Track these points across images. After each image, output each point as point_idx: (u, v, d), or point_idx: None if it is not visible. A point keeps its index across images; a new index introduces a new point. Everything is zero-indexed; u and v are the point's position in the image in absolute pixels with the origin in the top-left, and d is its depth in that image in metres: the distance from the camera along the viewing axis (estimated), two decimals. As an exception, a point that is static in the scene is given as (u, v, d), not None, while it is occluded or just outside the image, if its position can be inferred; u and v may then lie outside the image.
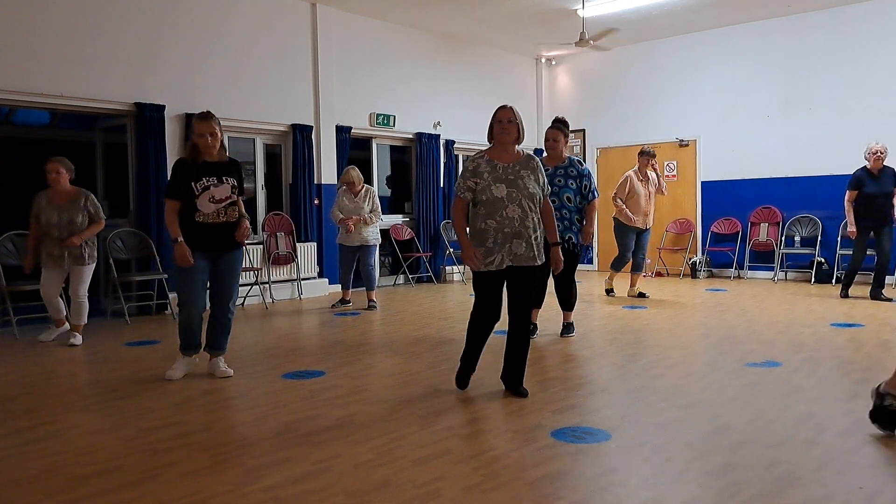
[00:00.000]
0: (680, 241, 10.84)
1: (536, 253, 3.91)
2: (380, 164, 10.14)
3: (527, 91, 12.19)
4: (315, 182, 8.97)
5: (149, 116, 7.30)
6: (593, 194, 5.55)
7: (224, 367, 4.63)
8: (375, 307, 7.60)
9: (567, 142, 5.63)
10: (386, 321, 6.75)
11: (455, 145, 10.79)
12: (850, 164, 9.25)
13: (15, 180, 9.23)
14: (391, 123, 9.82)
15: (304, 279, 8.71)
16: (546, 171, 5.31)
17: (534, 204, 3.91)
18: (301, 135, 8.72)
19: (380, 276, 8.95)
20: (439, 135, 10.47)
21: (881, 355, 4.92)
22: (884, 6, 8.96)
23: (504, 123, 4.02)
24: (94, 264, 5.92)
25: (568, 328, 5.86)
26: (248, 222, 4.56)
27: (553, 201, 5.20)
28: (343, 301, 7.73)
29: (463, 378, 4.14)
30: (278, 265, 8.55)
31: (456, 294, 8.98)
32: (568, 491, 2.68)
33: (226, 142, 8.17)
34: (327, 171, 9.06)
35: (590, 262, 12.01)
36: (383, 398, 4.02)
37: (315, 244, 8.95)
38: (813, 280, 9.30)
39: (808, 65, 9.55)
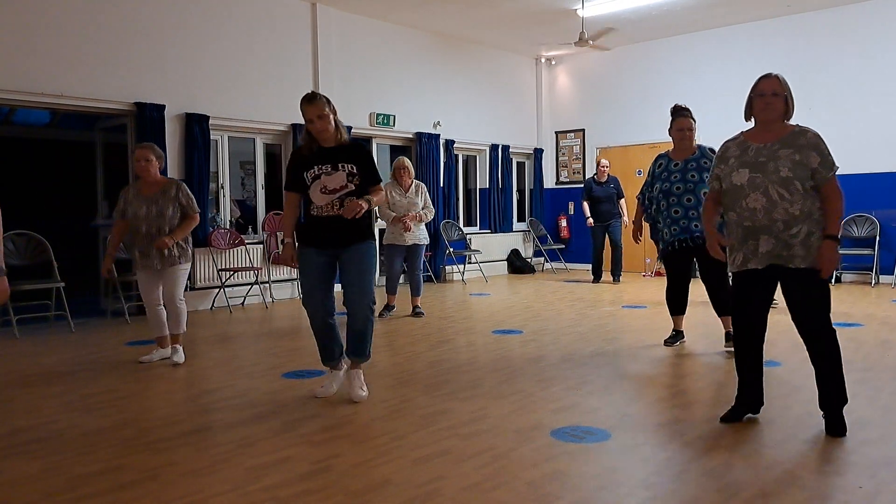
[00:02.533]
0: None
1: (796, 252, 3.15)
2: (380, 164, 10.13)
3: (527, 91, 12.20)
4: (315, 182, 8.96)
5: (149, 116, 7.30)
6: None
7: (359, 389, 3.96)
8: (423, 314, 7.03)
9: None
10: (386, 321, 6.75)
11: (455, 145, 10.79)
12: (849, 163, 9.27)
13: (15, 180, 9.23)
14: (391, 123, 9.82)
15: (304, 279, 8.69)
16: (676, 166, 5.08)
17: (788, 192, 3.14)
18: (301, 134, 8.71)
19: (378, 275, 8.88)
20: (439, 135, 10.47)
21: (881, 355, 4.92)
22: (884, 6, 8.97)
23: (767, 97, 3.28)
24: (189, 264, 5.13)
25: (727, 337, 5.11)
26: (364, 202, 3.80)
27: (688, 199, 4.97)
28: (388, 307, 7.00)
29: (737, 412, 3.44)
30: (278, 265, 8.55)
31: (456, 294, 8.98)
32: (568, 490, 2.68)
33: (225, 142, 8.27)
34: (327, 170, 9.05)
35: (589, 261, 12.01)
36: (383, 398, 4.02)
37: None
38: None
39: (808, 65, 9.55)
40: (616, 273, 9.79)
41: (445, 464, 2.96)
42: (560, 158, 12.44)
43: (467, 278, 10.44)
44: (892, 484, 2.70)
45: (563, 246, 12.08)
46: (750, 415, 3.47)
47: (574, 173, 12.22)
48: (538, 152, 12.32)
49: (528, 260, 11.88)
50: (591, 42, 9.32)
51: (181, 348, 5.09)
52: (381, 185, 3.97)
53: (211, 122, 7.84)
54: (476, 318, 6.92)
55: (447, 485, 2.74)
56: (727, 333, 5.08)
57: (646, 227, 5.67)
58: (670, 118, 5.20)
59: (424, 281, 10.17)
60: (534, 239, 11.93)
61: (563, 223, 12.18)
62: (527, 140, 12.19)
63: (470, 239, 10.77)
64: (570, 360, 4.94)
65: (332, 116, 3.88)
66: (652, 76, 11.06)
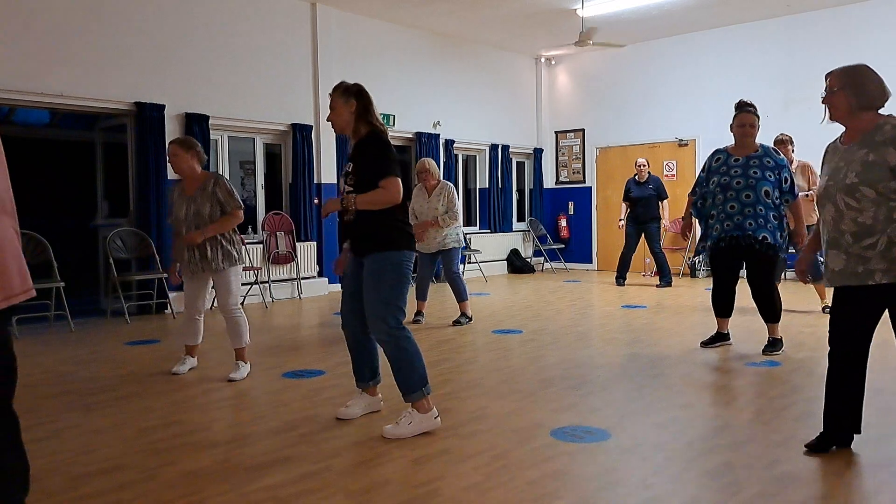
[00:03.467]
0: (680, 240, 10.82)
1: (871, 266, 2.78)
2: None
3: (526, 91, 12.20)
4: (315, 181, 8.98)
5: (149, 116, 7.31)
6: (796, 190, 4.91)
7: (392, 423, 3.36)
8: (471, 319, 6.57)
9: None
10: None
11: (455, 145, 10.79)
12: (849, 163, 9.27)
13: (15, 180, 9.25)
14: (391, 123, 9.81)
15: (303, 278, 8.71)
16: (737, 161, 4.91)
17: (854, 199, 2.80)
18: (301, 134, 8.73)
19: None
20: (439, 134, 10.47)
21: (880, 355, 4.92)
22: (883, 6, 8.97)
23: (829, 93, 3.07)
24: (239, 266, 4.62)
25: (773, 345, 5.04)
26: (353, 198, 3.33)
27: (747, 195, 4.79)
28: (418, 313, 6.65)
29: (822, 444, 3.03)
30: (278, 264, 8.56)
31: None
32: (567, 490, 2.68)
33: (225, 142, 8.27)
34: (327, 170, 9.07)
35: (589, 260, 12.03)
36: (383, 397, 4.02)
37: (315, 243, 8.95)
38: (812, 279, 9.28)
39: (807, 65, 9.54)
40: (663, 277, 9.33)
41: (445, 464, 2.96)
42: (560, 158, 12.44)
43: (467, 278, 10.42)
44: (892, 484, 2.70)
45: (563, 246, 12.08)
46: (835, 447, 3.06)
47: (574, 173, 12.22)
48: (538, 152, 12.32)
49: (528, 260, 11.88)
50: (592, 42, 9.31)
51: (243, 364, 4.60)
52: (389, 180, 3.31)
53: (211, 121, 7.84)
54: (476, 317, 6.91)
55: (447, 485, 2.74)
56: (772, 340, 5.02)
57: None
58: (733, 113, 5.00)
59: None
60: (533, 239, 11.93)
61: (563, 223, 12.18)
62: (526, 140, 12.19)
63: (470, 239, 10.77)
64: (570, 360, 4.93)
65: (343, 109, 3.52)
66: (652, 76, 11.06)
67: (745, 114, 4.90)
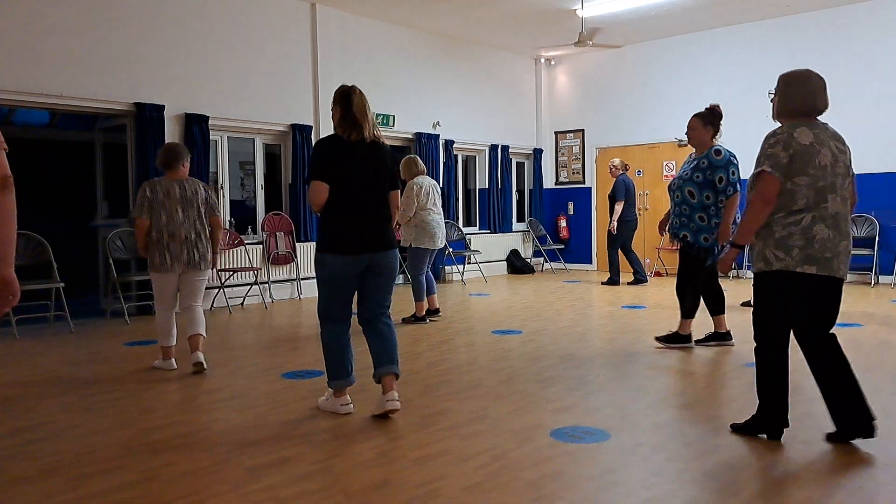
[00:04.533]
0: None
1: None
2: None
3: (526, 91, 12.20)
4: (315, 182, 8.96)
5: (148, 116, 7.30)
6: (731, 188, 4.96)
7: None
8: (419, 321, 6.62)
9: (713, 131, 5.11)
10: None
11: (454, 145, 10.79)
12: (849, 164, 9.27)
13: (14, 181, 9.25)
14: (391, 123, 9.82)
15: (303, 279, 8.71)
16: (686, 163, 5.26)
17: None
18: (301, 135, 8.72)
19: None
20: (439, 135, 10.47)
21: (880, 355, 4.92)
22: (883, 6, 8.97)
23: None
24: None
25: (672, 338, 5.33)
26: None
27: (677, 195, 5.11)
28: (434, 311, 6.72)
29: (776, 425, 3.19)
30: (278, 265, 8.56)
31: (455, 294, 8.98)
32: (567, 491, 2.68)
33: (224, 142, 8.27)
34: (327, 170, 9.05)
35: (589, 261, 12.03)
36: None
37: (314, 244, 8.94)
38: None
39: (807, 65, 9.48)
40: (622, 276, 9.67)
41: (445, 464, 2.96)
42: (559, 159, 12.44)
43: (467, 279, 10.44)
44: (891, 484, 2.71)
45: (563, 246, 12.08)
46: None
47: (574, 173, 12.22)
48: (537, 152, 12.32)
49: (528, 260, 11.88)
50: (591, 42, 9.31)
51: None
52: (309, 182, 3.54)
53: (210, 122, 7.84)
54: (476, 318, 6.92)
55: (447, 485, 2.74)
56: (673, 333, 5.36)
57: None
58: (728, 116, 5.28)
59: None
60: (533, 239, 11.93)
61: (563, 223, 12.18)
62: (526, 140, 12.19)
63: (469, 239, 10.77)
64: (570, 360, 4.94)
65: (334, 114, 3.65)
66: (651, 76, 11.06)
67: (691, 118, 5.18)
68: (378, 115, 9.64)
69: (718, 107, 5.20)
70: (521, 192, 12.47)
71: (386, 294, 3.73)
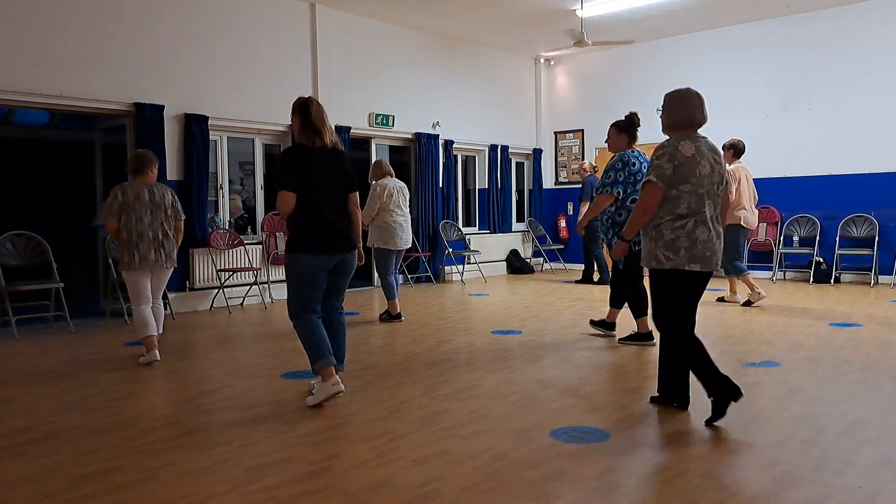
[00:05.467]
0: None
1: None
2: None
3: (525, 91, 12.20)
4: (314, 182, 8.96)
5: (148, 116, 7.30)
6: (604, 189, 5.20)
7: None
8: (393, 319, 6.77)
9: (628, 139, 5.39)
10: (385, 321, 6.75)
11: (454, 145, 10.79)
12: (848, 164, 9.28)
13: (14, 181, 9.23)
14: (390, 123, 9.82)
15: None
16: None
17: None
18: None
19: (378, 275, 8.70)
20: (438, 135, 10.47)
21: (880, 355, 4.92)
22: (884, 6, 8.97)
23: None
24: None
25: (600, 323, 5.95)
26: None
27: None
28: (397, 316, 6.80)
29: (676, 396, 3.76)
30: (277, 265, 8.55)
31: (455, 294, 8.98)
32: (567, 491, 2.68)
33: (224, 142, 8.27)
34: (326, 171, 9.05)
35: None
36: (383, 398, 4.02)
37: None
38: (811, 280, 9.30)
39: (807, 65, 9.56)
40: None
41: (445, 464, 2.96)
42: (559, 159, 12.44)
43: (466, 279, 10.44)
44: (891, 484, 2.71)
45: (563, 246, 12.08)
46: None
47: (573, 174, 12.21)
48: (537, 152, 12.32)
49: (528, 260, 11.88)
50: (591, 42, 9.31)
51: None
52: (281, 192, 3.82)
53: (210, 122, 7.84)
54: (475, 318, 6.92)
55: (447, 485, 2.74)
56: (602, 319, 5.90)
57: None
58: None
59: (423, 281, 10.22)
60: (533, 239, 11.93)
61: (563, 223, 12.18)
62: (526, 140, 12.19)
63: (469, 239, 10.77)
64: (570, 361, 4.94)
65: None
66: (651, 76, 11.06)
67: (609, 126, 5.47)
68: (378, 115, 9.64)
69: (636, 115, 5.44)
70: (520, 192, 12.47)
71: (343, 291, 4.11)
